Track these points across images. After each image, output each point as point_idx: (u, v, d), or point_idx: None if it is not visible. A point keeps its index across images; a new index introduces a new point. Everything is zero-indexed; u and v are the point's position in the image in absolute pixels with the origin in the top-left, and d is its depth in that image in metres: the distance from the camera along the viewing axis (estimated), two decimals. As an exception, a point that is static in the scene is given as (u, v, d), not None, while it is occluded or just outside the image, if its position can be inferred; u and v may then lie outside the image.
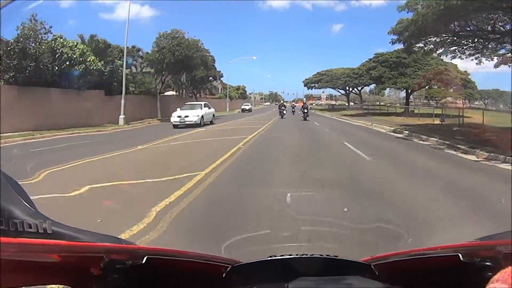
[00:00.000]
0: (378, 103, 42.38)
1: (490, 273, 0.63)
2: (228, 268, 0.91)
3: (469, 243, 0.85)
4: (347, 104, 42.51)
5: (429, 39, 13.91)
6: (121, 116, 17.29)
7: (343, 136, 11.97)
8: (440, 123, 16.66)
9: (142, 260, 0.74)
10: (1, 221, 0.65)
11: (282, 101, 30.70)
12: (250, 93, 56.37)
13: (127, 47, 19.07)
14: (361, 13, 42.38)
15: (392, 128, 14.46)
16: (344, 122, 20.62)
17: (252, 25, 47.86)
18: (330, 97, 48.57)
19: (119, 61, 18.77)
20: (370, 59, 29.97)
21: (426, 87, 29.46)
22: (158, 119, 21.23)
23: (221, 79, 40.05)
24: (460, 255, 0.78)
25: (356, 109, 37.19)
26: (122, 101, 17.33)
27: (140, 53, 23.42)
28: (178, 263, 0.84)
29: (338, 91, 42.87)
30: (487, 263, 0.74)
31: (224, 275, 0.90)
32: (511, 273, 0.52)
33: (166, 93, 27.78)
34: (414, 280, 0.88)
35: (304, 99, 27.36)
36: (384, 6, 37.54)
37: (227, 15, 48.67)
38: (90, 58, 15.78)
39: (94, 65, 15.92)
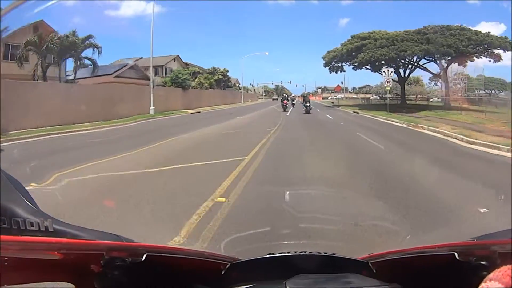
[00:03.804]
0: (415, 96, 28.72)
1: (485, 272, 0.61)
2: (227, 265, 0.92)
3: (465, 242, 0.84)
4: (393, 97, 25.38)
5: None
6: None
7: None
8: None
9: (142, 257, 0.74)
10: (3, 220, 0.65)
11: (284, 95, 25.78)
12: (250, 85, 42.30)
13: None
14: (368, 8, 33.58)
15: None
16: None
17: (259, 19, 35.84)
18: (345, 89, 34.06)
19: None
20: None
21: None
22: None
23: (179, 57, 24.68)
24: (455, 253, 0.77)
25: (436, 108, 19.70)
26: None
27: None
28: (177, 260, 0.84)
29: (381, 73, 23.10)
30: (482, 262, 0.74)
31: (223, 272, 0.91)
32: (505, 273, 0.51)
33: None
34: (411, 277, 0.87)
35: (307, 92, 25.69)
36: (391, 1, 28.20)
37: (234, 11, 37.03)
38: None
39: None
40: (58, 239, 0.65)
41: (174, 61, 26.10)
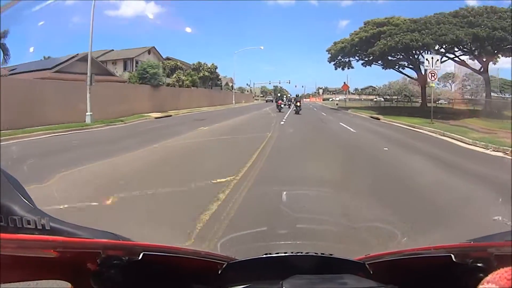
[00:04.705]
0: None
1: (481, 274, 0.62)
2: (224, 265, 0.91)
3: (462, 244, 0.85)
4: (399, 99, 23.52)
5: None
6: None
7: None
8: None
9: (139, 256, 0.74)
10: (0, 218, 0.65)
11: (279, 94, 24.94)
12: (247, 85, 38.40)
13: None
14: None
15: None
16: None
17: (258, 19, 34.94)
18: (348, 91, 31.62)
19: None
20: None
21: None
22: None
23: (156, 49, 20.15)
24: (452, 255, 0.78)
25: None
26: None
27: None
28: (174, 259, 0.84)
29: (399, 71, 21.32)
30: (479, 265, 0.74)
31: (219, 272, 0.90)
32: (502, 275, 0.50)
33: None
34: (408, 279, 0.88)
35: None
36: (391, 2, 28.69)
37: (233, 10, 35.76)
38: None
39: None
40: (55, 238, 0.65)
41: (149, 53, 21.47)
